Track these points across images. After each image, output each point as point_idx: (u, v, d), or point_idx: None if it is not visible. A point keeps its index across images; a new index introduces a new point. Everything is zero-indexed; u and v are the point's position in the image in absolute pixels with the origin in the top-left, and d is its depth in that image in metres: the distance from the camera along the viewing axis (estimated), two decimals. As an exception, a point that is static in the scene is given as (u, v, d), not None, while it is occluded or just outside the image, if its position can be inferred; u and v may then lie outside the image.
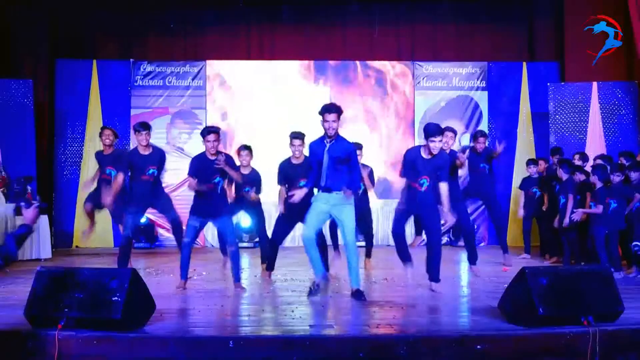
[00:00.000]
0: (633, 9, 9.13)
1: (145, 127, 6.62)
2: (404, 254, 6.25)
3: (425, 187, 5.94)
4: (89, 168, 10.06)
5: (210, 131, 6.11)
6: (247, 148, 7.33)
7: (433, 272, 6.06)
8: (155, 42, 11.19)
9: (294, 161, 6.70)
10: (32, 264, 7.80)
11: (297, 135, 6.69)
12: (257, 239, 9.45)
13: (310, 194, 5.95)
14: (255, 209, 7.38)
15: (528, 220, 8.99)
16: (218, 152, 6.13)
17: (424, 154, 5.94)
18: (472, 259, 7.10)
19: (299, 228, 8.27)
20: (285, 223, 6.82)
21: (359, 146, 7.36)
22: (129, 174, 6.75)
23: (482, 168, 7.59)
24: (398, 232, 6.17)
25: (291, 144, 6.68)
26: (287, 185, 6.67)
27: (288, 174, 6.70)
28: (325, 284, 5.83)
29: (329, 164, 5.63)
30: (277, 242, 6.88)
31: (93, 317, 4.25)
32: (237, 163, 6.71)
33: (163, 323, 4.67)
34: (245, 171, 7.13)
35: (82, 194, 9.82)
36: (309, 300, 5.65)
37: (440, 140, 5.88)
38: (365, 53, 11.19)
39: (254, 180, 7.25)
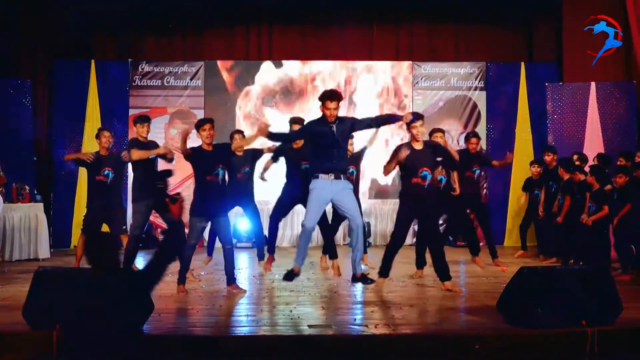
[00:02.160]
0: (631, 10, 9.12)
1: (147, 119, 7.11)
2: (385, 265, 6.19)
3: (428, 180, 5.92)
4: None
5: (204, 121, 6.18)
6: (239, 132, 7.37)
7: (441, 272, 6.07)
8: (154, 43, 11.17)
9: (294, 145, 6.74)
10: (30, 264, 7.80)
11: (296, 120, 6.77)
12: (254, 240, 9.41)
13: (306, 179, 5.91)
14: (250, 203, 7.31)
15: (529, 219, 8.99)
16: (214, 145, 6.14)
17: (414, 145, 5.98)
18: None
19: (297, 227, 8.23)
20: (284, 205, 6.84)
21: (350, 136, 7.38)
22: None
23: (473, 171, 7.50)
24: (396, 241, 6.15)
25: (291, 129, 6.72)
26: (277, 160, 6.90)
27: (287, 156, 6.79)
28: (299, 272, 5.80)
29: (340, 143, 5.53)
30: (275, 224, 6.89)
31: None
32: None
33: (161, 323, 4.66)
34: (239, 153, 7.12)
35: (80, 194, 9.83)
36: (284, 282, 5.85)
37: (422, 125, 5.96)
38: (363, 53, 11.19)
39: (251, 157, 7.14)
